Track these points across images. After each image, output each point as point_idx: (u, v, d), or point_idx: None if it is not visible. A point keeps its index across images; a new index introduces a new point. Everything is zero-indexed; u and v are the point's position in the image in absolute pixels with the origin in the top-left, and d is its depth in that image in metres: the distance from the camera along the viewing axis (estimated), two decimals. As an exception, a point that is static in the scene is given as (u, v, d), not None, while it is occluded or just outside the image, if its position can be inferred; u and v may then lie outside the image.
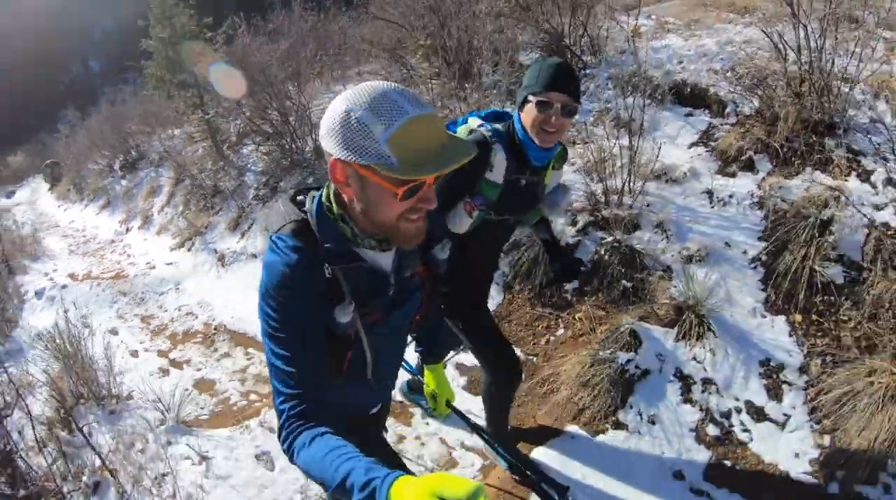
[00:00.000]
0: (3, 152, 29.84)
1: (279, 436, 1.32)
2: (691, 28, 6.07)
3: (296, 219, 1.39)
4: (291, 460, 1.29)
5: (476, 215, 2.28)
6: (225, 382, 4.48)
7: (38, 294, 7.73)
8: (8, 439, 3.25)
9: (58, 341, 4.17)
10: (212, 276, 7.03)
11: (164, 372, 4.83)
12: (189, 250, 8.23)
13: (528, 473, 1.66)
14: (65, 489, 3.08)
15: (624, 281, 3.77)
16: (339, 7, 11.15)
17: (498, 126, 2.28)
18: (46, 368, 4.21)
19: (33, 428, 3.44)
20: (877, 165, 3.82)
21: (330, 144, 1.24)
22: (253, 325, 5.29)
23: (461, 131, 2.33)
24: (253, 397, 4.20)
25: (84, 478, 3.20)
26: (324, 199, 1.41)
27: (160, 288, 7.21)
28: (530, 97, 2.14)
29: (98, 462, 3.18)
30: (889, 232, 3.36)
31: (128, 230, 11.03)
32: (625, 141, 4.19)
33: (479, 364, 2.82)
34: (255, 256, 6.77)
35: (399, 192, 1.23)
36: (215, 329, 5.55)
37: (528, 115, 2.17)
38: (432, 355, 2.13)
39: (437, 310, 1.99)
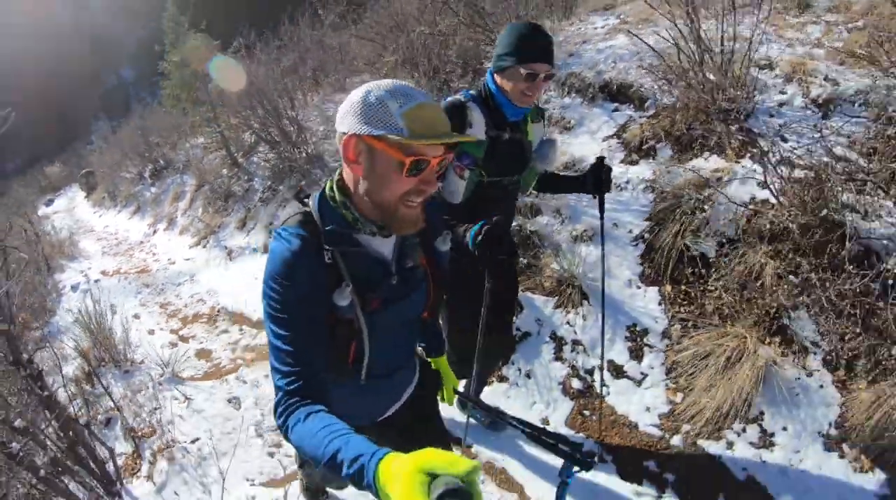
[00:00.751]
0: (41, 163, 31.28)
1: (275, 413, 1.35)
2: (639, 27, 6.62)
3: (300, 211, 1.49)
4: (286, 436, 1.31)
5: (468, 176, 2.38)
6: (219, 351, 5.42)
7: (74, 288, 8.78)
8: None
9: (85, 318, 5.12)
10: (221, 268, 7.98)
11: (173, 345, 5.76)
12: (204, 247, 9.20)
13: (544, 437, 1.77)
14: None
15: (522, 259, 4.36)
16: (343, 20, 11.86)
17: (470, 91, 2.42)
18: (77, 337, 5.16)
19: (65, 387, 4.35)
20: (774, 146, 3.98)
21: (346, 122, 1.37)
22: (249, 306, 6.24)
23: None
24: (239, 361, 5.12)
25: (99, 416, 4.14)
26: (327, 190, 1.51)
27: (177, 280, 8.20)
28: (521, 69, 2.23)
29: (111, 405, 4.11)
30: (766, 207, 3.62)
31: (154, 232, 12.05)
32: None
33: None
34: (256, 250, 7.73)
35: (407, 162, 1.32)
36: (218, 312, 6.50)
37: (511, 82, 2.29)
38: (434, 348, 2.17)
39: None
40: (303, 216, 1.46)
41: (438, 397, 2.21)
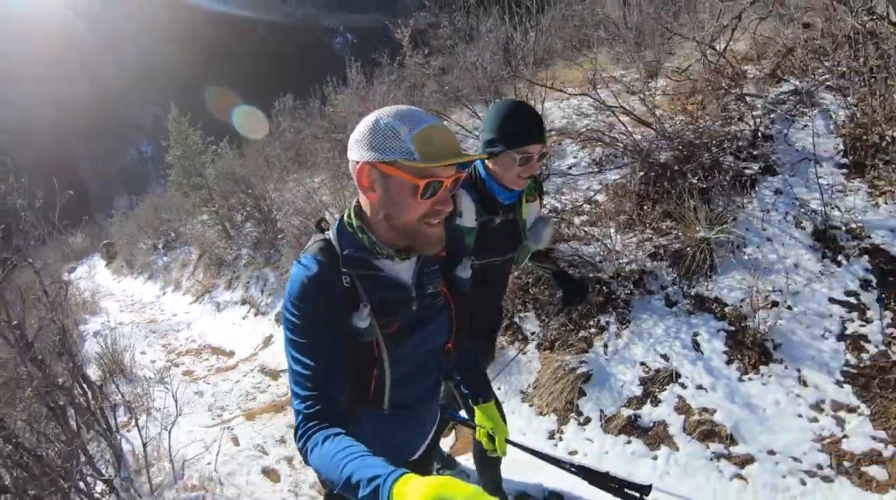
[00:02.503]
0: (65, 233, 33.64)
1: (295, 435, 1.37)
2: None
3: (320, 239, 1.51)
4: (305, 460, 1.33)
5: None
6: (200, 371, 7.68)
7: (95, 334, 11.07)
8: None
9: (103, 345, 7.40)
10: (210, 318, 10.30)
11: (167, 368, 8.02)
12: (200, 303, 11.58)
13: (609, 482, 1.74)
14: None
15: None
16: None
17: None
18: (98, 356, 7.40)
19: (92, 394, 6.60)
20: (553, 201, 5.16)
21: (358, 150, 1.38)
22: (227, 343, 8.57)
23: None
24: (208, 375, 7.36)
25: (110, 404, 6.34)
26: (345, 217, 1.52)
27: (177, 328, 10.54)
28: (514, 155, 2.17)
29: (119, 397, 6.30)
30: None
31: (164, 294, 14.45)
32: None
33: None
34: (236, 303, 10.04)
35: (421, 184, 1.32)
36: (203, 347, 8.81)
37: (505, 166, 2.21)
38: (479, 393, 2.05)
39: (472, 342, 1.94)
40: (322, 243, 1.49)
41: (489, 449, 2.08)
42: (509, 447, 2.08)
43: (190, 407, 5.96)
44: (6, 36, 54.95)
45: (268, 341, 7.79)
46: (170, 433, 4.00)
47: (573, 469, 1.85)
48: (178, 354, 8.91)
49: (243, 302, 9.81)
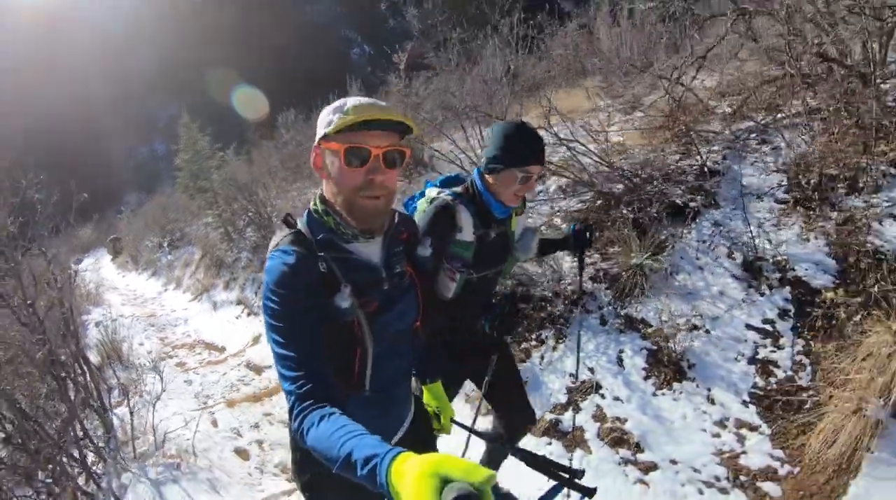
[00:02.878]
0: (75, 226, 33.90)
1: (290, 417, 1.38)
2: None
3: (290, 232, 1.56)
4: (302, 440, 1.32)
5: (459, 278, 2.36)
6: (192, 363, 8.19)
7: (97, 324, 11.57)
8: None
9: (103, 333, 7.93)
10: (207, 316, 10.83)
11: (162, 359, 8.52)
12: (199, 301, 12.12)
13: (550, 467, 1.70)
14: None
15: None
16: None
17: (457, 189, 2.38)
18: (98, 345, 7.92)
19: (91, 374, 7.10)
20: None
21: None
22: (219, 339, 9.09)
23: (421, 204, 2.39)
24: (199, 367, 7.88)
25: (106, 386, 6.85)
26: (312, 206, 1.61)
27: (175, 323, 11.10)
28: (516, 173, 2.24)
29: (115, 381, 6.79)
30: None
31: (165, 291, 15.02)
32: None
33: None
34: (232, 302, 10.56)
35: (341, 150, 1.43)
36: (197, 342, 9.34)
37: (504, 183, 2.29)
38: (428, 373, 2.12)
39: (430, 323, 1.93)
40: (294, 235, 1.54)
41: (435, 428, 2.16)
42: (455, 431, 2.20)
43: (178, 394, 6.48)
44: (13, 34, 55.61)
45: (256, 340, 8.25)
46: (154, 406, 4.53)
47: (523, 457, 1.86)
48: (173, 347, 9.43)
49: (238, 302, 10.32)
